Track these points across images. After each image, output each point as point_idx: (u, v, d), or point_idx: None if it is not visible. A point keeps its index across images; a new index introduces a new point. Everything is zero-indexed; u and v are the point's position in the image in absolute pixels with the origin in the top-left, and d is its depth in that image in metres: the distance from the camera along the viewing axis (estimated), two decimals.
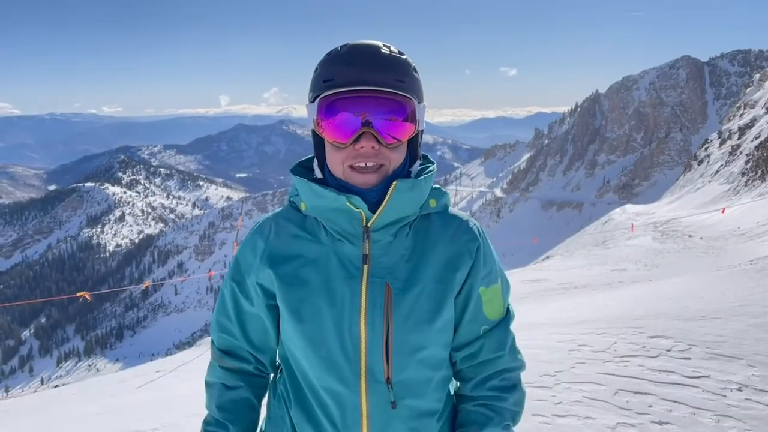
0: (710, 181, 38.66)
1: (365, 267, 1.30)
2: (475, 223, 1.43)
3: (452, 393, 1.47)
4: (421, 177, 1.32)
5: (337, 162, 1.29)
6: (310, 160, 1.44)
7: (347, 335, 1.28)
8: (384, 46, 1.26)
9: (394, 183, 1.26)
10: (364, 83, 1.22)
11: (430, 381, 1.35)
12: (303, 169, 1.43)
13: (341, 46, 1.28)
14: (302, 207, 1.36)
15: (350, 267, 1.30)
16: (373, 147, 1.24)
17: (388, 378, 1.29)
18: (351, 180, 1.28)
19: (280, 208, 1.45)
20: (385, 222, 1.29)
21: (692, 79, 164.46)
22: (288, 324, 1.35)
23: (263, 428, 1.50)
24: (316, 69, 1.30)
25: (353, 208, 1.26)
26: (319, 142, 1.35)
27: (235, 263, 1.45)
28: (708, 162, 44.43)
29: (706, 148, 48.65)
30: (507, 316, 1.44)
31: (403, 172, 1.34)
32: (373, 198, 1.29)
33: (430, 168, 1.38)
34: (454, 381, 1.48)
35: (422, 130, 1.35)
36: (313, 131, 1.32)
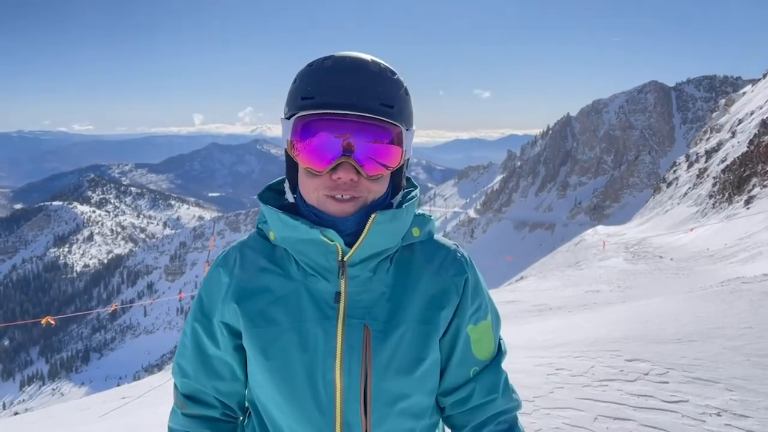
0: (679, 203, 39.37)
1: (341, 306, 1.16)
2: (463, 252, 1.29)
3: None
4: (403, 206, 1.18)
5: (310, 189, 1.14)
6: (281, 183, 1.29)
7: (321, 384, 1.14)
8: (373, 61, 1.12)
9: (373, 216, 1.12)
10: (348, 107, 1.07)
11: (413, 431, 1.22)
12: (273, 194, 1.29)
13: (325, 58, 1.12)
14: (271, 236, 1.23)
15: (324, 306, 1.16)
16: (352, 179, 1.10)
17: (366, 431, 1.15)
18: (325, 208, 1.14)
19: (247, 237, 1.31)
20: (363, 256, 1.15)
21: (660, 103, 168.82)
22: (255, 367, 1.21)
23: None
24: (295, 80, 1.15)
25: (328, 241, 1.12)
26: (291, 163, 1.20)
27: (197, 301, 1.30)
28: (676, 184, 45.28)
29: (674, 171, 49.64)
30: (498, 354, 1.30)
31: (383, 203, 1.19)
32: (350, 229, 1.15)
33: (413, 193, 1.25)
34: (441, 426, 1.36)
35: (408, 159, 1.20)
36: (286, 151, 1.17)
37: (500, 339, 1.33)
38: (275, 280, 1.20)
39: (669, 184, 47.38)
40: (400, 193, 1.24)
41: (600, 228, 38.51)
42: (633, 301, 11.04)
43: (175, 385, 1.35)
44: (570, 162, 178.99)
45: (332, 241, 1.12)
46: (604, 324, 7.57)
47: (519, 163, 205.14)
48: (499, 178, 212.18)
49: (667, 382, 4.52)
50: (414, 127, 1.19)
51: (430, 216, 1.28)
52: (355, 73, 1.09)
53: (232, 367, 1.29)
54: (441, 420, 1.34)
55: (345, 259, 1.15)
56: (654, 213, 41.79)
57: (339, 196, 1.12)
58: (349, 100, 1.07)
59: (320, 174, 1.11)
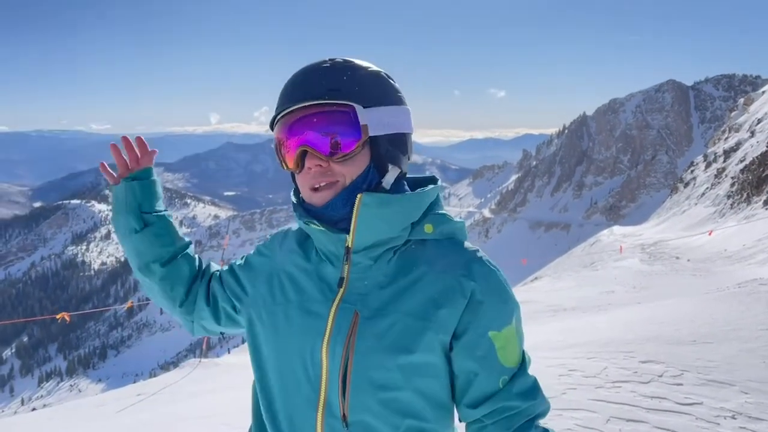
0: (696, 204, 38.95)
1: (340, 291, 1.21)
2: (482, 256, 1.25)
3: None
4: (403, 194, 1.20)
5: (301, 188, 1.24)
6: None
7: (309, 361, 1.19)
8: (330, 59, 1.18)
9: (359, 196, 1.15)
10: (294, 101, 1.14)
11: (397, 427, 1.18)
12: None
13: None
14: None
15: (326, 290, 1.23)
16: (318, 165, 1.16)
17: (344, 415, 1.16)
18: (311, 201, 1.21)
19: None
20: (365, 244, 1.19)
21: (677, 102, 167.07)
22: (262, 338, 1.30)
23: None
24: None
25: (319, 227, 1.20)
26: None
27: (259, 245, 1.44)
28: (694, 184, 44.79)
29: (692, 171, 49.10)
30: (524, 360, 1.25)
31: (366, 182, 1.20)
32: (338, 216, 1.20)
33: (430, 188, 1.25)
34: None
35: (379, 136, 1.19)
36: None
37: (524, 350, 1.29)
38: (297, 262, 1.30)
39: (686, 185, 46.89)
40: (392, 173, 1.23)
41: (616, 228, 38.18)
42: (648, 303, 10.96)
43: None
44: (586, 162, 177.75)
45: (319, 228, 1.20)
46: (619, 325, 7.52)
47: (534, 163, 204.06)
48: (514, 177, 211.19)
49: (682, 384, 4.48)
50: (384, 106, 1.19)
51: (457, 219, 1.28)
52: (305, 72, 1.17)
53: (209, 285, 1.49)
54: None
55: (349, 245, 1.20)
56: (671, 213, 41.38)
57: (317, 186, 1.17)
58: (295, 95, 1.15)
59: (298, 172, 1.20)
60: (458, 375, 1.22)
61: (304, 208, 1.25)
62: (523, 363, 1.25)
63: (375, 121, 1.16)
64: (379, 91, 1.19)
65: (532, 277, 28.72)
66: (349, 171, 1.17)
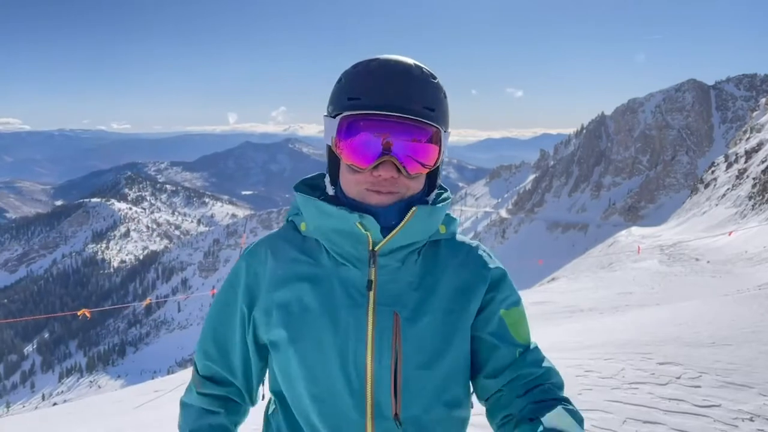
0: (717, 205, 38.48)
1: (371, 294, 1.21)
2: (485, 249, 1.38)
3: None
4: (439, 204, 1.28)
5: (351, 183, 1.22)
6: (315, 178, 1.38)
7: (352, 367, 1.19)
8: (416, 66, 1.19)
9: (414, 209, 1.19)
10: (392, 108, 1.13)
11: (448, 421, 1.26)
12: (306, 188, 1.35)
13: (371, 61, 1.20)
14: (302, 227, 1.30)
15: (355, 293, 1.22)
16: (392, 176, 1.17)
17: (396, 414, 1.19)
18: (366, 200, 1.21)
19: (278, 230, 1.38)
20: (393, 247, 1.22)
21: (698, 102, 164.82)
22: (285, 355, 1.25)
23: None
24: (341, 79, 1.22)
25: (362, 229, 1.19)
26: (333, 158, 1.28)
27: (224, 290, 1.36)
28: (715, 185, 44.25)
29: (712, 172, 48.51)
30: (534, 342, 1.37)
31: (420, 200, 1.27)
32: (389, 222, 1.22)
33: (445, 195, 1.33)
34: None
35: (443, 160, 1.27)
36: (329, 147, 1.25)
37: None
38: (306, 270, 1.26)
39: (707, 185, 46.32)
40: (435, 192, 1.32)
41: (634, 229, 37.85)
42: (667, 304, 10.86)
43: (195, 367, 1.41)
44: (604, 162, 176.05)
45: (366, 230, 1.19)
46: (636, 326, 7.47)
47: (552, 163, 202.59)
48: (531, 177, 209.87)
49: (700, 387, 4.44)
50: (450, 129, 1.26)
51: (456, 218, 1.35)
52: (399, 76, 1.16)
53: (248, 353, 1.34)
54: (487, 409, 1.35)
55: (376, 249, 1.21)
56: (691, 214, 40.90)
57: (380, 191, 1.19)
58: (393, 102, 1.13)
59: (363, 171, 1.18)
60: (477, 351, 1.30)
61: (351, 206, 1.23)
62: (534, 343, 1.35)
63: (445, 146, 1.23)
64: (449, 116, 1.25)
65: (549, 277, 28.55)
66: (413, 186, 1.22)
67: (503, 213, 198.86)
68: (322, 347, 1.20)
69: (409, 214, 1.19)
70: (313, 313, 1.22)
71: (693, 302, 9.91)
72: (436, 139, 1.19)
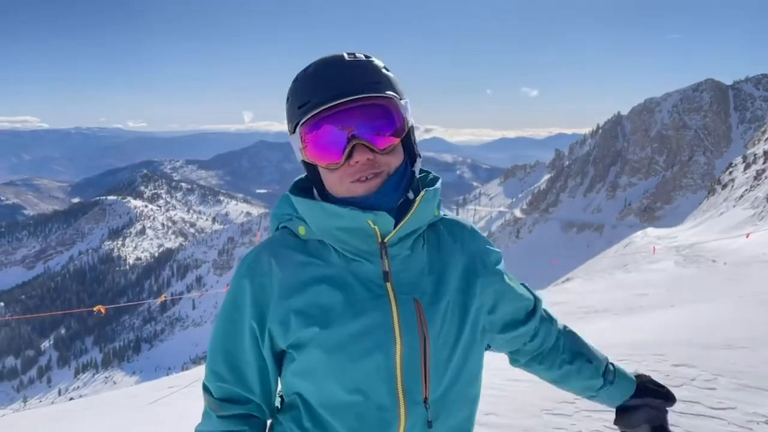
0: (734, 206, 38.07)
1: (388, 285, 1.23)
2: (472, 225, 1.44)
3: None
4: (437, 185, 1.30)
5: (336, 183, 1.22)
6: (303, 180, 1.37)
7: (382, 358, 1.20)
8: (348, 53, 1.20)
9: (423, 192, 1.21)
10: (340, 95, 1.14)
11: (464, 397, 1.31)
12: (299, 191, 1.34)
13: (306, 68, 1.22)
14: (300, 231, 1.28)
15: (372, 286, 1.23)
16: (368, 158, 1.17)
17: (425, 398, 1.23)
18: (354, 192, 1.21)
19: (269, 239, 1.35)
20: (401, 235, 1.23)
21: (716, 102, 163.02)
22: (311, 355, 1.23)
23: None
24: (288, 98, 1.24)
25: (371, 225, 1.19)
26: (311, 168, 1.28)
27: (227, 307, 1.31)
28: (732, 186, 43.80)
29: (730, 172, 48.00)
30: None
31: (407, 173, 1.27)
32: (390, 203, 1.24)
33: (431, 175, 1.36)
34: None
35: (412, 127, 1.28)
36: (303, 162, 1.27)
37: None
38: (318, 271, 1.25)
39: (724, 186, 45.85)
40: (419, 160, 1.31)
41: (650, 230, 37.53)
42: (682, 306, 10.77)
43: (208, 391, 1.35)
44: (620, 162, 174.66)
45: (374, 225, 1.19)
46: (651, 328, 7.42)
47: (567, 163, 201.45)
48: (546, 177, 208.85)
49: (715, 389, 4.41)
50: (407, 99, 1.25)
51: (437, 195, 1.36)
52: (334, 66, 1.18)
53: (265, 368, 1.32)
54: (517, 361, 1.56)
55: (386, 240, 1.21)
56: (707, 215, 40.49)
57: (363, 178, 1.19)
58: (337, 90, 1.14)
59: (339, 165, 1.18)
60: (496, 310, 1.41)
61: (347, 203, 1.23)
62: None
63: (408, 112, 1.23)
64: (400, 86, 1.25)
65: (563, 278, 28.42)
66: (392, 161, 1.22)
67: (517, 213, 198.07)
68: (350, 342, 1.21)
69: (418, 199, 1.21)
70: (336, 311, 1.21)
71: (709, 304, 9.83)
72: (394, 107, 1.19)
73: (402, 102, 1.22)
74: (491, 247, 1.41)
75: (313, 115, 1.17)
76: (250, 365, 1.31)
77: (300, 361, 1.26)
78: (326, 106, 1.15)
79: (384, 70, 1.22)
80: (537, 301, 1.48)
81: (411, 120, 1.25)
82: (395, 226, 1.21)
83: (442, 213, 1.36)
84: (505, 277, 1.41)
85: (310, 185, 1.34)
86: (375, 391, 1.21)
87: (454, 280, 1.29)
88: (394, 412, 1.21)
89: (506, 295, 1.40)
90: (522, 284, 1.48)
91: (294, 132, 1.22)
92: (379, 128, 1.18)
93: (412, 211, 1.20)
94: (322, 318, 1.22)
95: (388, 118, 1.19)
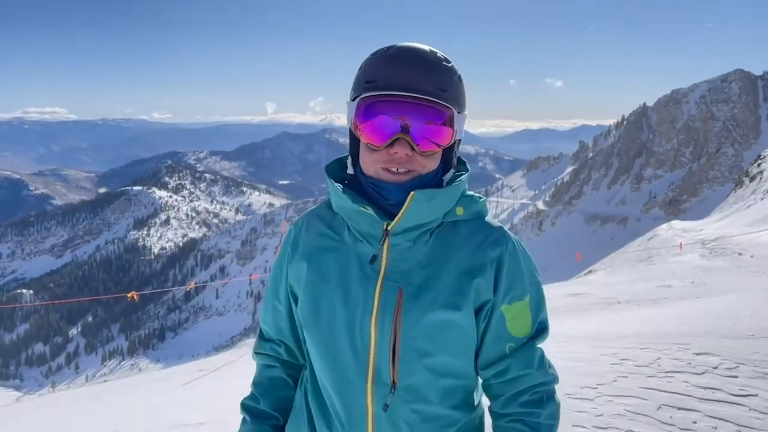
0: (762, 199, 37.36)
1: (381, 269, 1.31)
2: (507, 233, 1.40)
3: (476, 404, 1.46)
4: (447, 187, 1.32)
5: (369, 162, 1.30)
6: (346, 157, 1.45)
7: (358, 336, 1.29)
8: (431, 51, 1.26)
9: (412, 194, 1.25)
10: (406, 89, 1.21)
11: (439, 387, 1.34)
12: (338, 166, 1.44)
13: (388, 47, 1.28)
14: (333, 205, 1.39)
15: (367, 268, 1.32)
16: (407, 153, 1.24)
17: (393, 381, 1.29)
18: (382, 178, 1.29)
19: (313, 208, 1.49)
20: (404, 227, 1.29)
21: (745, 93, 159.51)
22: (305, 319, 1.38)
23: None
24: (361, 67, 1.30)
25: (371, 212, 1.27)
26: (354, 140, 1.36)
27: (279, 256, 1.51)
28: (761, 179, 42.97)
29: (758, 164, 47.08)
30: (536, 333, 1.40)
31: (434, 179, 1.34)
32: (396, 200, 1.30)
33: (462, 177, 1.37)
34: (480, 391, 1.48)
35: (459, 140, 1.35)
36: (350, 129, 1.33)
37: (543, 320, 1.42)
38: (330, 243, 1.39)
39: (752, 178, 45.01)
40: (451, 171, 1.38)
41: (675, 223, 36.97)
42: (706, 297, 10.72)
43: (260, 331, 1.58)
44: (645, 154, 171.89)
45: (368, 210, 1.28)
46: (674, 318, 7.44)
47: (591, 155, 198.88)
48: (569, 169, 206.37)
49: (737, 377, 4.46)
50: (466, 112, 1.33)
51: (480, 198, 1.40)
52: (413, 59, 1.24)
53: (292, 317, 1.49)
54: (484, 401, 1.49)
55: (389, 228, 1.29)
56: (735, 208, 39.81)
57: (395, 169, 1.27)
58: (407, 83, 1.21)
59: (379, 149, 1.26)
60: (477, 338, 1.39)
61: (370, 184, 1.32)
62: (534, 336, 1.40)
63: (459, 126, 1.30)
64: (464, 98, 1.32)
65: (586, 270, 28.23)
66: (428, 164, 1.29)
67: (540, 205, 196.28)
68: (333, 315, 1.32)
69: (408, 199, 1.25)
70: (331, 284, 1.33)
71: (733, 296, 9.78)
72: (449, 119, 1.26)
73: (459, 114, 1.29)
74: (520, 281, 1.38)
75: (373, 95, 1.24)
76: (282, 308, 1.49)
77: (303, 327, 1.42)
78: (390, 93, 1.22)
79: (456, 80, 1.28)
80: (528, 377, 1.37)
81: (460, 133, 1.32)
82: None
83: (476, 214, 1.39)
84: (504, 315, 1.36)
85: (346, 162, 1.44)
86: (349, 367, 1.30)
87: (449, 279, 1.31)
88: (362, 388, 1.30)
89: (489, 330, 1.38)
90: (541, 356, 1.40)
91: (353, 100, 1.29)
92: (428, 133, 1.25)
93: (402, 211, 1.26)
94: (319, 287, 1.35)
95: (439, 126, 1.25)
